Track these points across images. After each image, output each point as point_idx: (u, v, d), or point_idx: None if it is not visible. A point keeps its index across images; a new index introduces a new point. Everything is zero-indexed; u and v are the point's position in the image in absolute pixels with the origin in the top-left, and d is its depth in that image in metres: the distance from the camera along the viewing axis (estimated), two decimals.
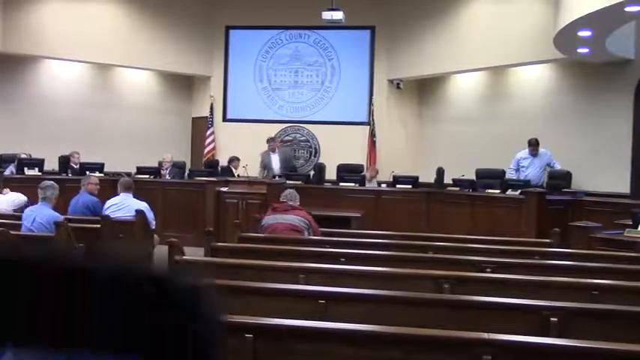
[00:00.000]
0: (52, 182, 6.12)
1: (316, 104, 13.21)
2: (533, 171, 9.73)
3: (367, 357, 2.35)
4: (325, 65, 13.19)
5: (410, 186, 9.83)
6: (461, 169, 10.07)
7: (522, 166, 9.85)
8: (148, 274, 0.27)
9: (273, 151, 11.45)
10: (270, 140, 11.53)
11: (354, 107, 12.99)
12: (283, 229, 5.65)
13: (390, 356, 2.33)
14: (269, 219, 5.83)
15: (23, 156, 10.29)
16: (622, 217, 6.67)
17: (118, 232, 6.50)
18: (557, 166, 9.74)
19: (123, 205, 7.00)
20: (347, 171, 10.85)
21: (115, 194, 7.31)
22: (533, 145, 9.81)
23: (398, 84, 12.91)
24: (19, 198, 7.27)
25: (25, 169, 9.56)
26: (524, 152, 9.88)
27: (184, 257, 4.02)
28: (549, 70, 10.87)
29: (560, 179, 9.17)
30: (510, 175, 9.76)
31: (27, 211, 6.04)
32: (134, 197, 7.19)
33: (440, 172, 10.00)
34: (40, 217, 5.85)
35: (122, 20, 12.48)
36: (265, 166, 11.25)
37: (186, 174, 10.94)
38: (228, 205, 9.49)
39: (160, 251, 6.11)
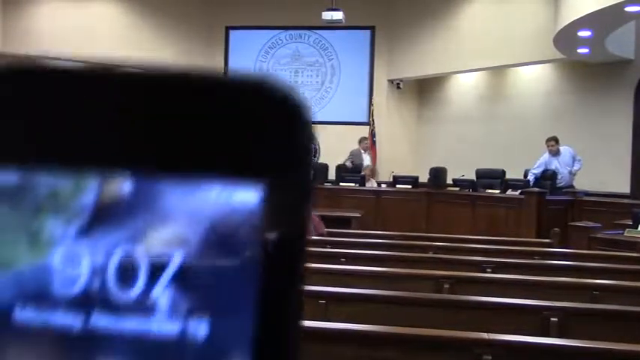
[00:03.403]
0: None
1: (316, 104, 13.22)
2: (561, 172, 9.08)
3: (367, 357, 2.35)
4: (325, 65, 13.19)
5: (410, 186, 9.83)
6: (461, 169, 10.07)
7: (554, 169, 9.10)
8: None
9: (365, 150, 11.79)
10: (363, 140, 11.85)
11: (354, 107, 12.99)
12: None
13: (389, 356, 2.33)
14: None
15: None
16: (622, 217, 6.67)
17: None
18: (577, 166, 9.16)
19: None
20: (347, 171, 10.86)
21: None
22: (550, 141, 9.10)
23: (398, 84, 12.91)
24: None
25: None
26: (545, 155, 9.19)
27: None
28: (549, 70, 10.87)
29: (545, 179, 8.87)
30: (534, 174, 9.05)
31: None
32: None
33: (434, 173, 9.98)
34: None
35: (122, 20, 12.48)
36: (352, 163, 11.51)
37: None
38: None
39: None
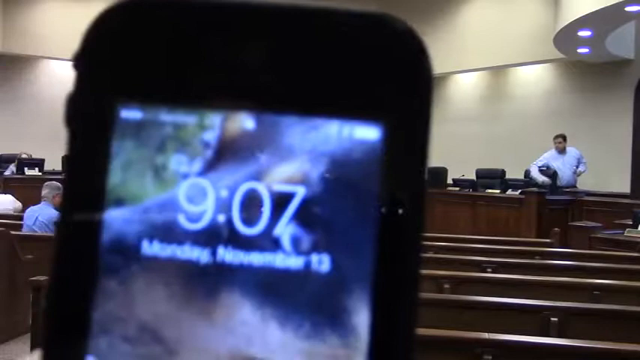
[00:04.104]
0: (51, 182, 6.12)
1: None
2: (562, 170, 8.99)
3: None
4: None
5: None
6: (461, 169, 10.07)
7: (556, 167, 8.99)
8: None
9: None
10: None
11: None
12: None
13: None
14: None
15: (23, 156, 10.29)
16: (622, 217, 6.67)
17: None
18: (582, 168, 9.06)
19: None
20: None
21: None
22: (557, 138, 8.99)
23: None
24: (16, 203, 7.24)
25: (25, 169, 9.56)
26: (551, 152, 9.09)
27: None
28: (549, 70, 10.87)
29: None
30: (534, 168, 8.98)
31: (28, 211, 6.04)
32: None
33: (433, 173, 9.97)
34: (42, 216, 5.84)
35: None
36: None
37: None
38: None
39: None
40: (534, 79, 11.13)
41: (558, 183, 8.84)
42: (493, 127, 11.68)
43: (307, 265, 0.23)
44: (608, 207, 7.78)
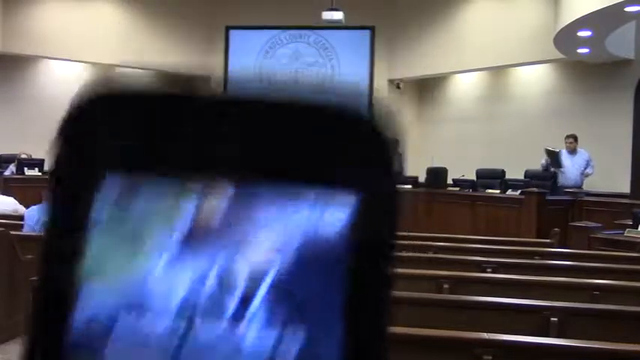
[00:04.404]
0: None
1: None
2: (570, 171, 9.03)
3: None
4: (325, 65, 13.19)
5: (410, 186, 9.84)
6: (461, 169, 10.07)
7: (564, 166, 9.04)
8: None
9: None
10: None
11: None
12: None
13: (389, 356, 2.34)
14: None
15: (23, 156, 10.29)
16: (622, 217, 6.67)
17: None
18: (590, 171, 9.09)
19: None
20: None
21: None
22: (569, 138, 9.04)
23: (398, 84, 12.90)
24: (17, 205, 7.22)
25: (25, 169, 9.57)
26: (562, 151, 9.10)
27: None
28: (549, 70, 10.87)
29: (544, 179, 8.82)
30: (544, 165, 9.10)
31: (30, 210, 6.04)
32: None
33: (432, 173, 9.98)
34: (44, 216, 5.84)
35: (122, 20, 12.49)
36: None
37: None
38: None
39: None
40: (534, 79, 11.13)
41: (565, 182, 8.86)
42: (493, 127, 11.68)
43: (280, 339, 0.23)
44: (608, 207, 7.78)
